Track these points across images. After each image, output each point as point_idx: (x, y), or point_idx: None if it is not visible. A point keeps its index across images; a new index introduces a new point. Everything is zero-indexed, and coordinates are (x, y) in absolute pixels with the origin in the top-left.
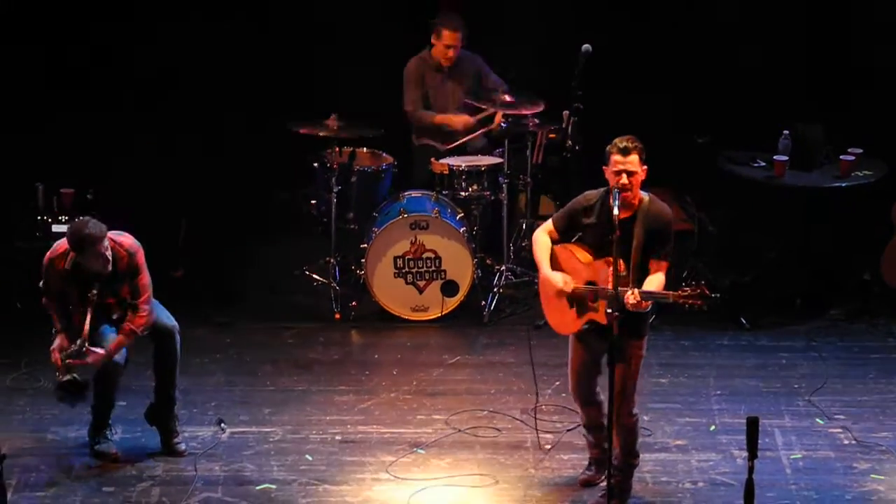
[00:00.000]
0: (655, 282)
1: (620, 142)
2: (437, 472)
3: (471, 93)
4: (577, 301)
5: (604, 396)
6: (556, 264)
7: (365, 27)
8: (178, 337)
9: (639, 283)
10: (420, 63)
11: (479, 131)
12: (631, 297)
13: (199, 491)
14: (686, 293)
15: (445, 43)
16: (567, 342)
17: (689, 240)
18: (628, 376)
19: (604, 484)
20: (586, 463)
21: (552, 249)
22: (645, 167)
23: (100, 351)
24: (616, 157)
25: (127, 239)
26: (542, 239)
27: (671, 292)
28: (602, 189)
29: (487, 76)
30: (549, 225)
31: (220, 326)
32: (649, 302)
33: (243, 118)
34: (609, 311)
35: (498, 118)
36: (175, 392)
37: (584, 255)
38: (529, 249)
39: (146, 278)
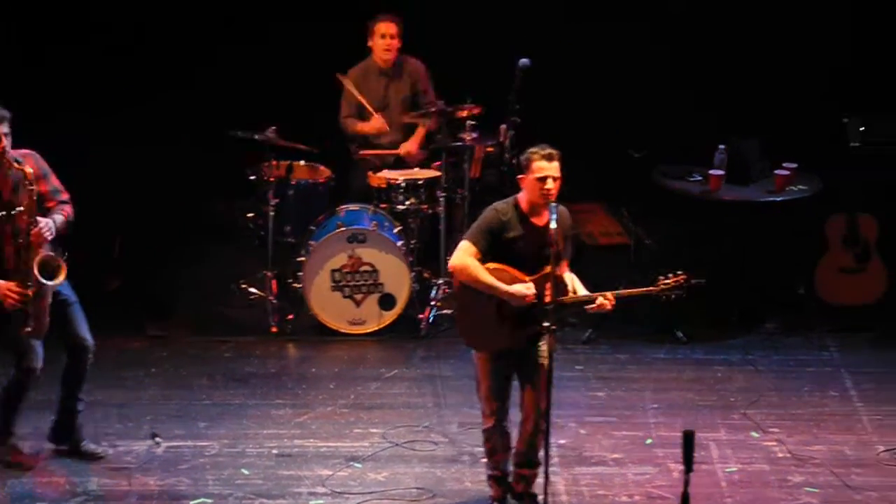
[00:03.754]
0: (578, 283)
1: (542, 149)
2: (373, 486)
3: (408, 102)
4: (518, 314)
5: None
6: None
7: (307, 37)
8: (91, 356)
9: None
10: (360, 71)
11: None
12: (605, 302)
13: None
14: (669, 284)
15: (381, 33)
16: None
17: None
18: (545, 376)
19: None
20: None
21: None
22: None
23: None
24: (541, 164)
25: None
26: (472, 263)
27: (651, 288)
28: (510, 199)
29: (427, 89)
30: (469, 248)
31: (156, 340)
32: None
33: (180, 130)
34: (546, 324)
35: (406, 149)
36: (79, 405)
37: (520, 274)
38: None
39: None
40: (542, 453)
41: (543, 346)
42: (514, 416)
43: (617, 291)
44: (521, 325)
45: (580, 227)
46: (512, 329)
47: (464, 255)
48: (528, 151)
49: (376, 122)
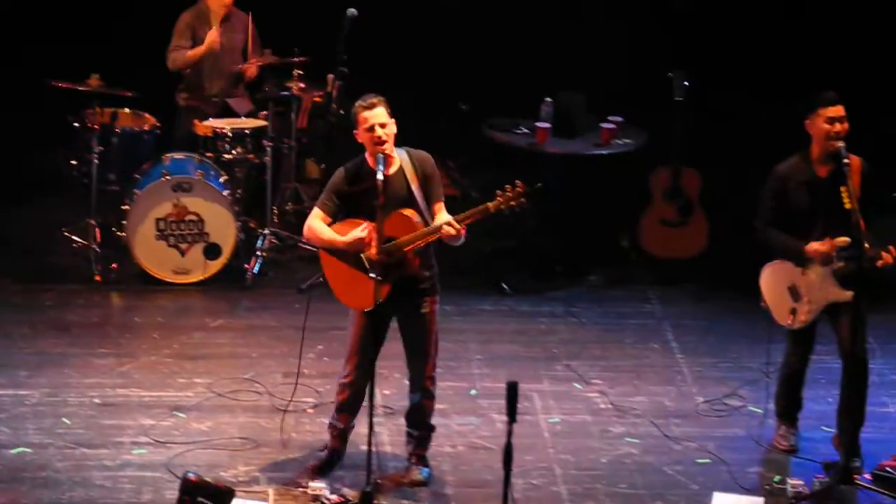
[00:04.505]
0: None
1: (363, 100)
2: (197, 436)
3: (239, 52)
4: (374, 263)
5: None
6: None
7: None
8: None
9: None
10: (193, 15)
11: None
12: (449, 228)
13: None
14: (508, 196)
15: None
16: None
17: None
18: (426, 338)
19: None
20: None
21: (330, 223)
22: (394, 121)
23: None
24: (364, 115)
25: None
26: (316, 224)
27: (489, 203)
28: (359, 157)
29: (255, 40)
30: (317, 213)
31: None
32: (469, 221)
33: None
34: (372, 275)
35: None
36: None
37: (358, 225)
38: (294, 212)
39: None
40: (432, 418)
41: (425, 310)
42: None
43: (456, 216)
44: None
45: None
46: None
47: (309, 220)
48: (354, 106)
49: (210, 36)
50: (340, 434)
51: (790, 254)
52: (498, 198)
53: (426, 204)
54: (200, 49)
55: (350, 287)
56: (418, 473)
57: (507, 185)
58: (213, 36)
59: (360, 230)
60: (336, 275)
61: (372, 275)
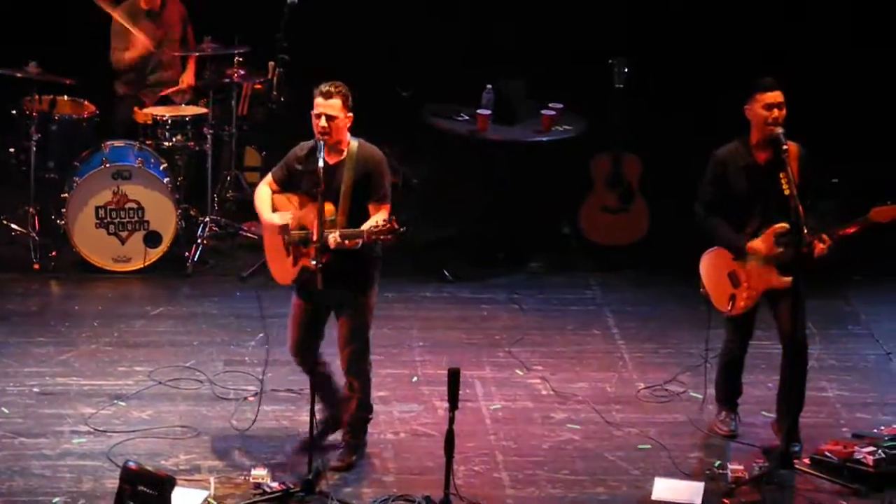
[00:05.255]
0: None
1: (325, 86)
2: (137, 424)
3: (181, 40)
4: (293, 248)
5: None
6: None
7: None
8: None
9: (356, 227)
10: (127, 9)
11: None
12: (331, 239)
13: None
14: (378, 228)
15: None
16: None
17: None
18: (358, 328)
19: (333, 438)
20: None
21: (272, 198)
22: (350, 115)
23: None
24: (318, 101)
25: None
26: (261, 190)
27: (364, 229)
28: (314, 140)
29: (188, 28)
30: (269, 178)
31: None
32: (356, 241)
33: None
34: (313, 262)
35: (187, 81)
36: None
37: (298, 202)
38: (235, 200)
39: None
40: (366, 406)
41: (354, 303)
42: None
43: (341, 230)
44: (297, 259)
45: None
46: (293, 263)
47: (261, 184)
48: (318, 87)
49: (139, 41)
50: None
51: (731, 249)
52: (372, 227)
53: (357, 202)
54: (134, 53)
55: (275, 259)
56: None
57: (383, 220)
58: (141, 41)
59: (280, 217)
60: (269, 242)
61: (313, 261)
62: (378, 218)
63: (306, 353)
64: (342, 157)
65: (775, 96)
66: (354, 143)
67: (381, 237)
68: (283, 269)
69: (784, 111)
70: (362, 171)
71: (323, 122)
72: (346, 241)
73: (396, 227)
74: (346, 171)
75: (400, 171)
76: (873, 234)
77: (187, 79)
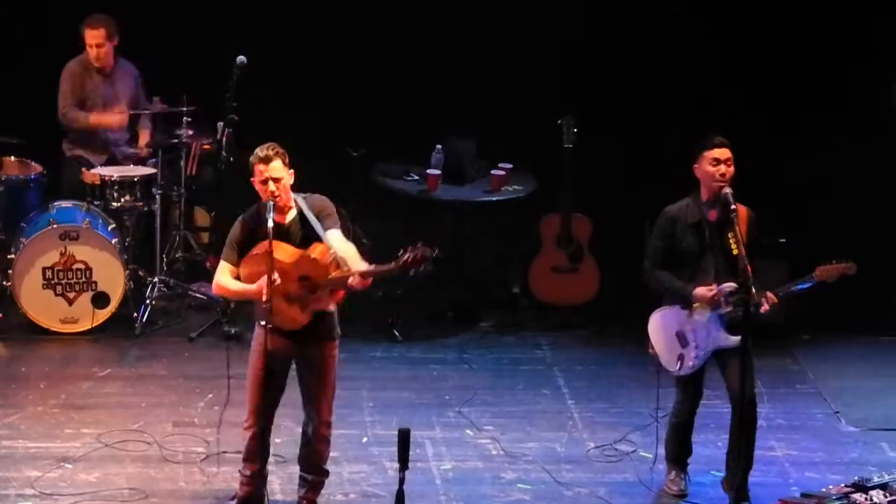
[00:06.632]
0: (351, 252)
1: (261, 151)
2: (84, 487)
3: (132, 100)
4: (298, 296)
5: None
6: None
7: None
8: None
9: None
10: (78, 65)
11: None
12: (356, 280)
13: None
14: (407, 259)
15: (89, 42)
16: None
17: None
18: (324, 383)
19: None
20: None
21: (238, 274)
22: (291, 171)
23: None
24: (259, 167)
25: None
26: (221, 280)
27: (391, 265)
28: (252, 207)
29: (141, 89)
30: (221, 267)
31: None
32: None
33: None
34: (265, 323)
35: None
36: None
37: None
38: (184, 260)
39: None
40: (326, 464)
41: (324, 354)
42: None
43: (363, 269)
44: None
45: None
46: (301, 310)
47: (217, 276)
48: (253, 154)
49: (118, 116)
50: (249, 481)
51: (677, 296)
52: (398, 261)
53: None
54: (109, 120)
55: (276, 314)
56: None
57: (408, 248)
58: (120, 117)
59: (257, 286)
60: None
61: (263, 322)
62: (333, 242)
63: (267, 410)
64: (293, 216)
65: (722, 153)
66: (300, 199)
67: (415, 266)
68: (288, 318)
69: (732, 168)
70: (318, 214)
71: (271, 186)
72: (368, 281)
73: (429, 251)
74: (308, 222)
75: (351, 230)
76: (820, 293)
77: (144, 139)
